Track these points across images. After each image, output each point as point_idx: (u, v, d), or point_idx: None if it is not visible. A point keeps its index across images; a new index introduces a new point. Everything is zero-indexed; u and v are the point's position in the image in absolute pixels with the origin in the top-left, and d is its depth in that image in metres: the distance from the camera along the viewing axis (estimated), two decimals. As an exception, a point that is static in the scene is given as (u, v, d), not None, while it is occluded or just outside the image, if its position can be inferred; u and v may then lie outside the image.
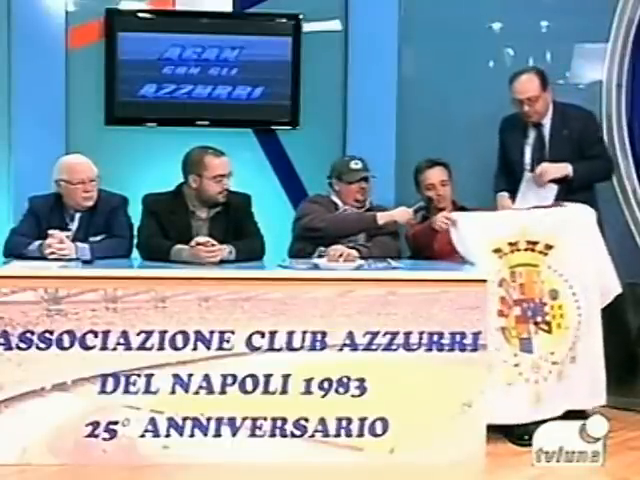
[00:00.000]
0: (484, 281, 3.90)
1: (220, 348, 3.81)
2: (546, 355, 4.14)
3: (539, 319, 4.16)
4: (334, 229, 4.47)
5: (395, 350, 3.85)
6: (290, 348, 3.83)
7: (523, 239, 4.19)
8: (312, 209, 4.59)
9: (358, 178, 4.60)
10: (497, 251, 4.17)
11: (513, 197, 4.63)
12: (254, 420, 3.83)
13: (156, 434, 3.81)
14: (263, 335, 3.82)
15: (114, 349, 3.78)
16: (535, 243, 4.19)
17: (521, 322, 4.14)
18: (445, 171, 4.69)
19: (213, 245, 4.10)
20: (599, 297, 4.23)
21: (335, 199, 4.66)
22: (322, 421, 3.85)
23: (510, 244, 4.18)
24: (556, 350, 4.15)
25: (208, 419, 3.82)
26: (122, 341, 3.78)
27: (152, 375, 3.79)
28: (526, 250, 4.18)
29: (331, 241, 4.34)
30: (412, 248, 4.64)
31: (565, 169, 4.47)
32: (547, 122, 4.62)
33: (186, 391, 3.81)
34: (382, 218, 4.52)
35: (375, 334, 3.85)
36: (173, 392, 3.81)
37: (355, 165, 4.61)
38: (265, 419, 3.83)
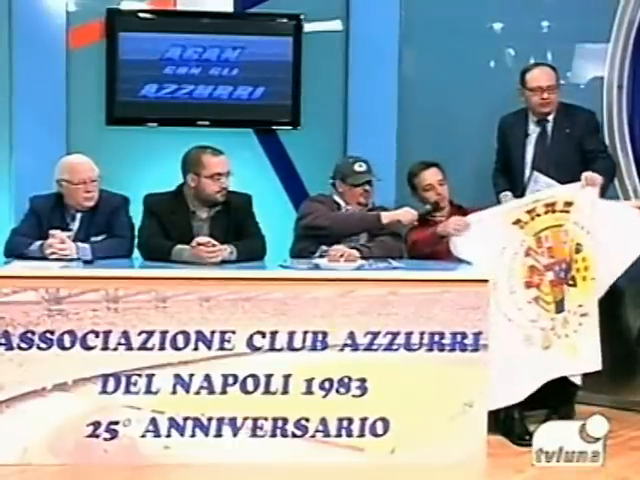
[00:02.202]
0: (485, 281, 3.90)
1: (221, 348, 3.82)
2: (574, 308, 4.19)
3: (568, 276, 4.20)
4: (338, 227, 4.47)
5: (396, 350, 3.86)
6: (291, 348, 3.83)
7: (539, 204, 4.22)
8: (315, 208, 4.58)
9: (362, 182, 4.58)
10: (517, 222, 4.20)
11: (516, 196, 4.62)
12: (255, 420, 3.83)
13: (157, 434, 3.81)
14: (264, 335, 3.82)
15: (115, 349, 3.78)
16: (553, 204, 4.22)
17: (556, 285, 4.19)
18: (440, 171, 4.68)
19: (214, 245, 4.09)
20: (621, 255, 4.25)
21: (338, 199, 4.65)
22: (323, 421, 3.85)
23: (528, 212, 4.21)
24: (584, 302, 4.20)
25: (209, 419, 3.82)
26: (123, 341, 3.78)
27: (153, 375, 3.80)
28: (546, 213, 4.22)
29: (334, 240, 4.34)
30: (413, 255, 4.59)
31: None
32: (550, 119, 4.64)
33: (187, 391, 3.81)
34: (386, 218, 4.52)
35: (376, 334, 3.85)
36: (174, 392, 3.81)
37: (359, 168, 4.59)
38: (266, 419, 3.83)
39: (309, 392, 3.84)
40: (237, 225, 4.37)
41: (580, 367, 4.23)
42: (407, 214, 4.57)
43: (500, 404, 4.08)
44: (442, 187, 4.65)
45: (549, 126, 4.65)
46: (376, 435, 3.87)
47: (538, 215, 4.21)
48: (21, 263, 4.07)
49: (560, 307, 4.20)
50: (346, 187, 4.62)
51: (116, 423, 3.80)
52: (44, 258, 4.14)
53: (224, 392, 3.83)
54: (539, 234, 4.21)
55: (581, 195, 4.24)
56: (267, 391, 3.83)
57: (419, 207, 4.66)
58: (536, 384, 4.14)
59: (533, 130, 4.69)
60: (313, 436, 3.85)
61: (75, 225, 4.39)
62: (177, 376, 3.81)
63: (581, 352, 4.19)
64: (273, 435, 3.84)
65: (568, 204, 4.23)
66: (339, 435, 3.86)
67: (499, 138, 4.84)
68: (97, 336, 3.78)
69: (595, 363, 4.20)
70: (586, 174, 4.30)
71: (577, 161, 4.57)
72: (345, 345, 3.84)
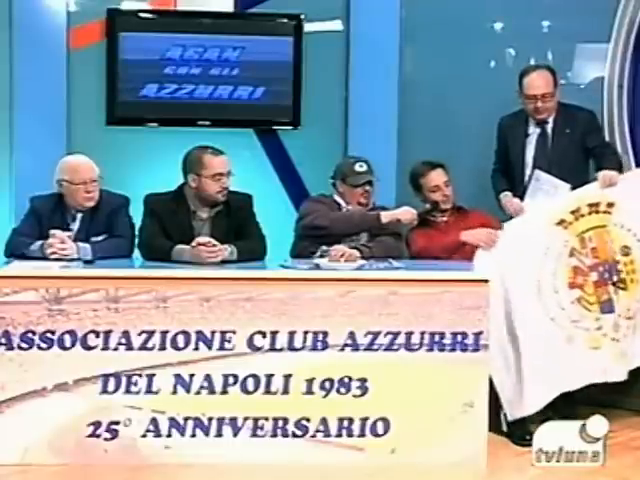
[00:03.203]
0: (486, 281, 3.90)
1: (221, 348, 3.82)
2: (624, 312, 4.21)
3: (615, 278, 4.21)
4: (338, 227, 4.47)
5: (396, 350, 3.86)
6: (291, 348, 3.83)
7: (583, 204, 4.21)
8: (315, 208, 4.58)
9: (362, 182, 4.58)
10: (560, 223, 4.21)
11: (515, 196, 4.62)
12: (255, 420, 3.83)
13: (157, 434, 3.81)
14: (264, 335, 3.82)
15: (115, 349, 3.79)
16: (597, 204, 4.22)
17: (600, 286, 4.20)
18: (445, 171, 4.68)
19: (214, 245, 4.10)
20: None
21: (338, 199, 4.65)
22: (323, 421, 3.85)
23: (572, 212, 4.21)
24: (631, 306, 4.21)
25: (209, 419, 3.82)
26: (123, 341, 3.78)
27: (153, 375, 3.80)
28: (590, 214, 4.22)
29: (334, 240, 4.33)
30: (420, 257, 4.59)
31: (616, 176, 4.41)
32: (550, 120, 4.64)
33: (187, 391, 3.81)
34: (386, 217, 4.52)
35: (376, 334, 3.85)
36: (174, 392, 3.81)
37: (360, 168, 4.58)
38: (266, 419, 3.83)
39: (309, 392, 3.84)
40: (238, 225, 4.37)
41: (624, 371, 4.22)
42: (407, 213, 4.57)
43: (538, 406, 4.07)
44: (448, 188, 4.65)
45: (549, 127, 4.65)
46: (376, 435, 3.87)
47: (582, 215, 4.21)
48: (21, 263, 4.07)
49: (607, 308, 4.19)
50: (346, 187, 4.61)
51: (116, 423, 3.80)
52: (44, 258, 4.14)
53: (224, 392, 3.83)
54: (583, 235, 4.21)
55: (623, 193, 4.22)
56: (267, 391, 3.83)
57: (418, 207, 4.66)
58: (580, 383, 4.14)
59: (533, 131, 4.68)
60: (313, 436, 3.85)
61: (75, 225, 4.39)
62: (177, 376, 3.81)
63: (627, 357, 4.20)
64: (274, 435, 3.84)
65: (610, 205, 4.22)
66: (339, 435, 3.86)
67: (499, 138, 4.84)
68: (97, 336, 3.78)
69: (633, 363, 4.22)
70: (602, 174, 4.30)
71: (579, 161, 4.58)
72: (345, 345, 3.84)
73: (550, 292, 4.15)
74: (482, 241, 4.21)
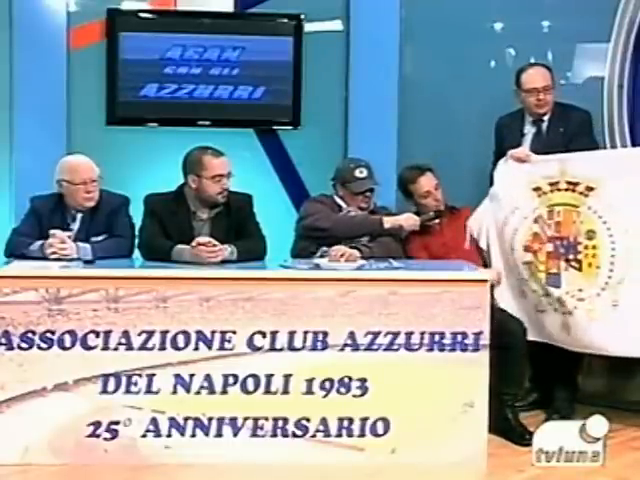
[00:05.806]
0: (485, 281, 3.90)
1: (221, 348, 3.82)
2: (573, 291, 4.23)
3: (571, 257, 4.25)
4: (340, 230, 4.45)
5: (396, 350, 3.85)
6: (291, 348, 3.83)
7: (563, 179, 4.27)
8: (317, 209, 4.57)
9: (363, 190, 4.57)
10: (536, 189, 4.33)
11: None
12: (255, 420, 3.83)
13: (157, 434, 3.81)
14: (264, 335, 3.83)
15: (115, 349, 3.79)
16: (576, 184, 4.25)
17: (552, 258, 4.28)
18: (434, 174, 4.67)
19: (214, 245, 4.10)
20: None
21: (339, 201, 4.64)
22: (323, 421, 3.85)
23: (550, 184, 4.30)
24: (584, 288, 4.22)
25: (209, 419, 3.82)
26: (123, 341, 3.78)
27: (153, 375, 3.80)
28: (567, 190, 4.27)
29: (335, 241, 4.33)
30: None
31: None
32: (545, 119, 4.65)
33: (187, 391, 3.81)
34: (388, 222, 4.51)
35: (376, 334, 3.84)
36: (174, 392, 3.81)
37: (360, 174, 4.55)
38: (266, 419, 3.83)
39: (309, 392, 3.84)
40: (238, 225, 4.37)
41: (572, 344, 4.25)
42: (409, 219, 4.56)
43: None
44: (438, 191, 4.64)
45: (544, 126, 4.66)
46: (377, 435, 3.87)
47: (559, 190, 4.28)
48: (21, 263, 4.07)
49: (553, 281, 4.26)
50: (347, 192, 4.60)
51: (116, 423, 3.80)
52: (44, 258, 4.14)
53: (224, 392, 3.83)
54: (553, 207, 4.29)
55: (608, 181, 4.20)
56: (267, 391, 3.83)
57: (410, 210, 4.66)
58: (535, 336, 4.33)
59: (529, 130, 4.70)
60: (313, 436, 3.85)
61: (75, 225, 4.39)
62: (177, 376, 3.81)
63: (574, 334, 4.22)
64: (274, 435, 3.84)
65: (589, 189, 4.22)
66: (339, 435, 3.86)
67: (496, 138, 4.85)
68: (97, 336, 3.78)
69: (586, 346, 4.22)
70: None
71: None
72: (345, 345, 3.84)
73: (508, 248, 4.37)
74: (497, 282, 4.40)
